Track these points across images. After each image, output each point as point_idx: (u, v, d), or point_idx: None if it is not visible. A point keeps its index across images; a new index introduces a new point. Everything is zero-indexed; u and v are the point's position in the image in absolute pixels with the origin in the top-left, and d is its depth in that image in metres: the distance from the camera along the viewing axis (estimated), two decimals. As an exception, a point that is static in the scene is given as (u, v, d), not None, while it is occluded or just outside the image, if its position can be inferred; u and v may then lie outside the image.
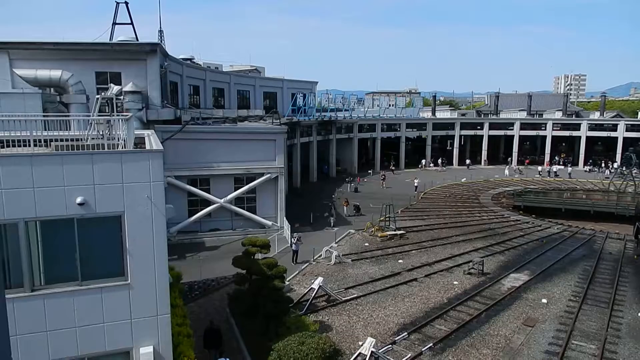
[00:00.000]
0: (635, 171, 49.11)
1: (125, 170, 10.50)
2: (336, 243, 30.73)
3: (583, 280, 25.00)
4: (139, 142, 14.00)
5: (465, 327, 19.24)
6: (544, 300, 22.14)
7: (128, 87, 30.00)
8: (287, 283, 22.41)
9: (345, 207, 40.01)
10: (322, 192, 48.76)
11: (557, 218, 41.89)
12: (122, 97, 29.00)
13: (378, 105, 71.42)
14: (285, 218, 33.15)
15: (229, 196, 32.10)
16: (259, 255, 20.47)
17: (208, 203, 31.86)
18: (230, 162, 31.93)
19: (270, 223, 33.12)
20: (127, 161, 10.55)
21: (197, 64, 54.70)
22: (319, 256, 27.90)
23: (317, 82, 65.02)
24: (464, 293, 22.91)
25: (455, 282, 24.36)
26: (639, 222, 31.92)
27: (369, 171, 63.35)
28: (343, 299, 21.76)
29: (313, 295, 21.03)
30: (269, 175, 32.80)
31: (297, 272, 25.40)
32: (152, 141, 13.38)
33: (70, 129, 13.55)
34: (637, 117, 75.26)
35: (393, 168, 64.10)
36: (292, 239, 27.84)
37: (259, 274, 18.32)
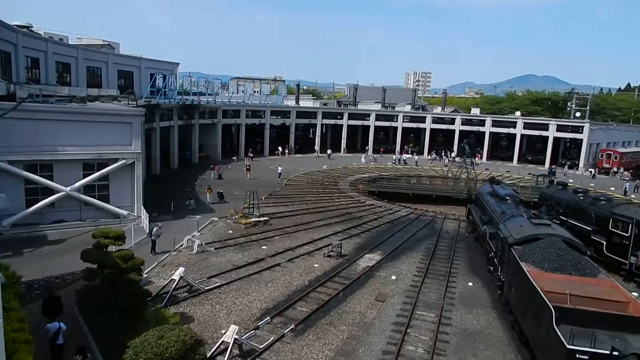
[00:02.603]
0: (468, 160, 56.27)
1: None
2: (199, 232, 29.91)
3: (425, 257, 28.03)
4: (-42, 121, 11.92)
5: (324, 307, 20.29)
6: (394, 277, 24.34)
7: (-57, 55, 25.24)
8: (145, 275, 21.28)
9: (208, 195, 39.06)
10: (184, 179, 46.90)
11: (406, 202, 46.29)
12: None
13: (243, 91, 70.73)
14: (142, 207, 31.18)
15: (77, 184, 29.07)
16: (112, 248, 19.02)
17: (51, 192, 28.48)
18: (78, 145, 28.84)
19: (125, 213, 30.86)
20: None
21: (37, 33, 48.17)
22: (180, 245, 26.89)
23: (178, 64, 61.93)
24: (324, 275, 24.11)
25: (316, 265, 25.48)
26: (470, 204, 36.72)
27: (233, 157, 62.61)
28: (205, 288, 21.34)
29: (174, 286, 20.26)
30: (124, 161, 30.42)
31: (156, 263, 24.18)
32: (-24, 121, 11.48)
33: None
34: (470, 113, 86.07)
35: (252, 155, 64.06)
36: (152, 229, 26.34)
37: (113, 267, 17.04)
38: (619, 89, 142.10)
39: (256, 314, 19.33)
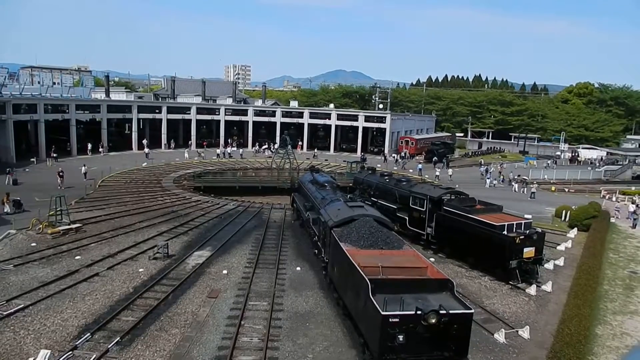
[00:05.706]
0: (290, 150, 58.75)
1: None
2: (-9, 248, 25.36)
3: (255, 247, 28.52)
4: None
5: (153, 313, 19.17)
6: (225, 272, 24.21)
7: None
8: None
9: (4, 204, 33.26)
10: (-34, 188, 39.08)
11: (233, 195, 46.32)
12: None
13: (39, 82, 61.85)
14: None
15: None
16: None
17: None
18: None
19: None
20: None
21: None
22: (-34, 268, 22.44)
23: (-54, 48, 50.99)
24: (151, 279, 22.75)
25: (141, 270, 23.86)
26: (294, 193, 38.50)
27: (32, 159, 54.39)
28: (4, 313, 18.25)
29: (-41, 317, 16.85)
30: None
31: None
32: None
33: None
34: (289, 106, 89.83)
35: (55, 155, 56.59)
36: None
37: None
38: (412, 84, 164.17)
39: (73, 333, 17.28)
